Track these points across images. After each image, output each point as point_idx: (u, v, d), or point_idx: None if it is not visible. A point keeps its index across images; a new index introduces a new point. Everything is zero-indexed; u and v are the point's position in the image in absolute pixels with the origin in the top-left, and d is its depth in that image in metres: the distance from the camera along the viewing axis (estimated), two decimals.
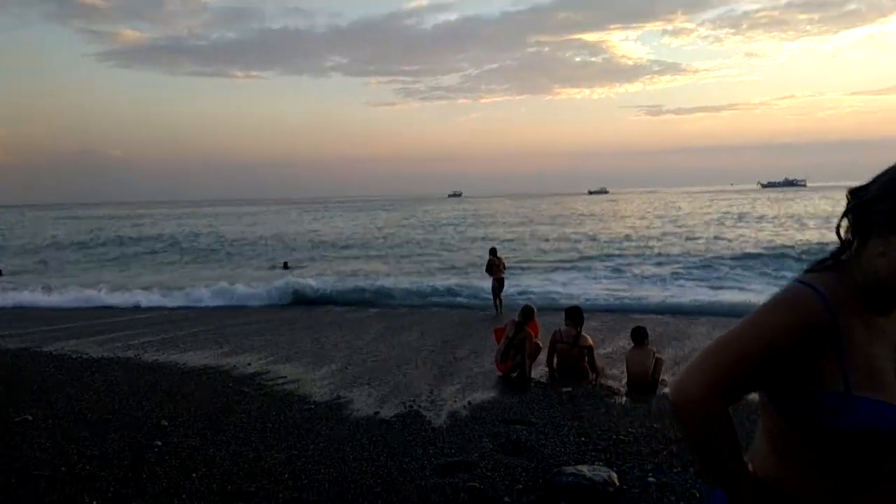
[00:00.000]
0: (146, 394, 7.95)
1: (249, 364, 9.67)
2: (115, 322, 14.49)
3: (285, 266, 29.17)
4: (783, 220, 45.35)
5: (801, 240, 30.93)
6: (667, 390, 7.89)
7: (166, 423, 6.67)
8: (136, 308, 17.21)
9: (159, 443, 6.05)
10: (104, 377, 8.90)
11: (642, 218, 55.74)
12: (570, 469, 4.99)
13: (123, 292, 19.30)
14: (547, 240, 37.82)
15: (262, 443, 6.05)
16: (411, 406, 7.30)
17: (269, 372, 9.15)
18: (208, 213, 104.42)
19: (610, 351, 10.18)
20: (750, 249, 27.45)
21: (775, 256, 25.03)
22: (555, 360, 8.70)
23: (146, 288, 20.03)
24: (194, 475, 5.26)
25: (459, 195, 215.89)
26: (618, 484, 4.83)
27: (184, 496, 4.85)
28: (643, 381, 7.85)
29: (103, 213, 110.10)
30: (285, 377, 8.80)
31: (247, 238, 45.88)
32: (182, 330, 13.17)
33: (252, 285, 19.27)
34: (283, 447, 5.91)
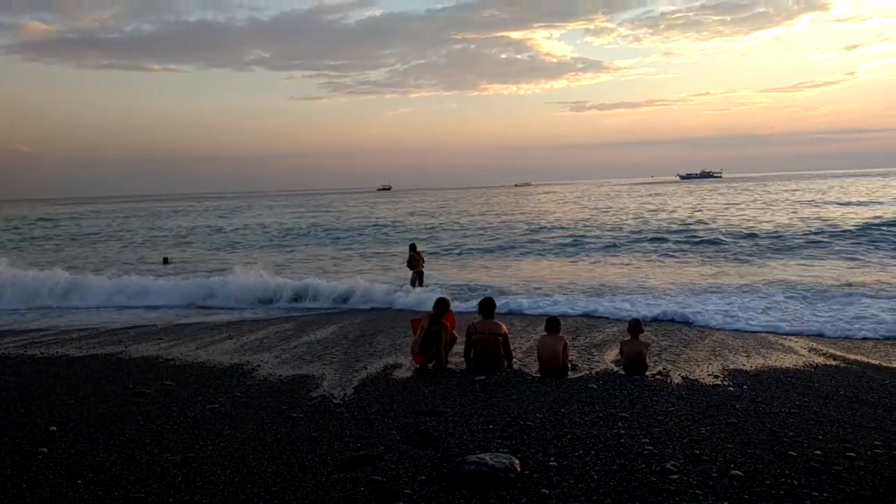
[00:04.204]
0: (37, 399, 7.47)
1: (152, 366, 9.24)
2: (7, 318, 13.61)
3: (165, 262, 27.84)
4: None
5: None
6: (583, 374, 8.04)
7: (55, 429, 6.27)
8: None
9: (45, 449, 5.67)
10: None
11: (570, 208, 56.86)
12: (472, 457, 4.96)
13: None
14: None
15: (157, 446, 5.76)
16: (321, 401, 7.14)
17: (172, 373, 8.77)
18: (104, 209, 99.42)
19: (530, 341, 10.31)
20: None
21: None
22: (472, 352, 8.69)
23: None
24: (79, 482, 4.95)
25: (389, 188, 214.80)
26: (519, 470, 4.84)
27: None
28: (554, 366, 7.95)
29: None
30: (190, 377, 8.44)
31: None
32: (85, 331, 12.49)
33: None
34: (179, 449, 5.64)
